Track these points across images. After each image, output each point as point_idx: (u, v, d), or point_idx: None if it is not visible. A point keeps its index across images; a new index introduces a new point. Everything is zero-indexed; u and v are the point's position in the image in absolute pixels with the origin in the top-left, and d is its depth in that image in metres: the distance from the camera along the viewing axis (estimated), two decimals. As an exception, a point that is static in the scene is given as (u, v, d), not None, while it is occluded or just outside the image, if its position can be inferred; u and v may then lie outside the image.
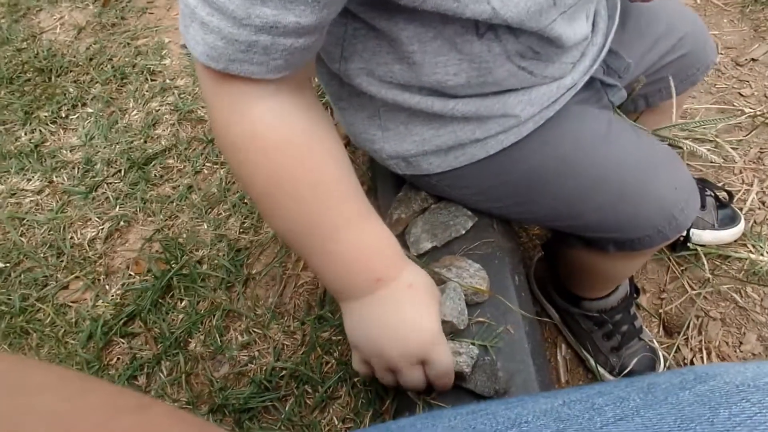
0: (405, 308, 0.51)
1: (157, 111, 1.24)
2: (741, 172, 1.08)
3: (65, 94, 1.32)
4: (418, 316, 0.51)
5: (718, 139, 1.09)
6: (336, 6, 0.43)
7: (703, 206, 0.98)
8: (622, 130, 0.64)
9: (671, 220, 0.62)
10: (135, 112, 1.26)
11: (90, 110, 1.28)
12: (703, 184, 1.02)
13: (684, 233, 0.91)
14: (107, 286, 0.96)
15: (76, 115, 1.28)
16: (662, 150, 0.65)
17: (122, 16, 1.52)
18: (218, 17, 0.40)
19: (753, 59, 1.19)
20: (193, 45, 0.42)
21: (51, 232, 1.05)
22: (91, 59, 1.40)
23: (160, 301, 0.91)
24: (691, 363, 0.89)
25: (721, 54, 1.23)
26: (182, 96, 1.26)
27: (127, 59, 1.38)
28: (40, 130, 1.25)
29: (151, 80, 1.32)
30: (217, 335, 0.85)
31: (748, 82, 1.17)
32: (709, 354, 0.88)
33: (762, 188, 1.05)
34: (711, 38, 0.81)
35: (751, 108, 1.12)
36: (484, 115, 0.57)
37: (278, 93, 0.46)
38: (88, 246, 1.02)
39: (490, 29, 0.49)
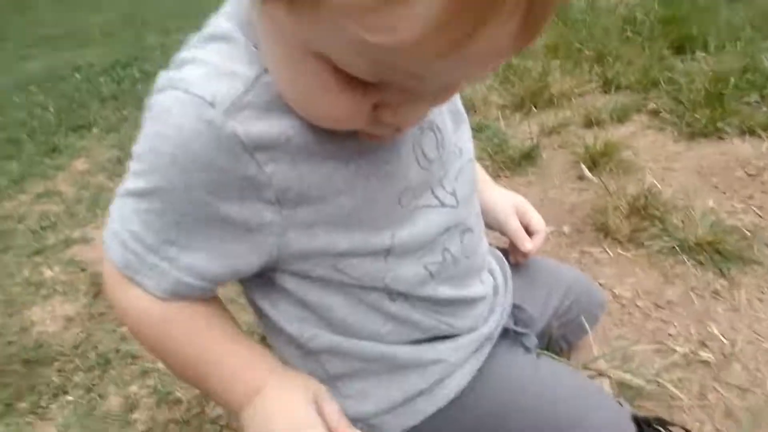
0: (283, 400, 0.60)
1: (135, 395, 1.29)
2: (690, 410, 1.15)
3: (48, 384, 1.37)
4: (291, 404, 0.61)
5: (659, 379, 1.19)
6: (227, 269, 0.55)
7: (663, 447, 1.02)
8: (551, 369, 0.74)
9: None
10: (114, 397, 1.31)
11: (70, 398, 1.32)
12: (660, 422, 1.07)
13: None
14: None
15: (57, 404, 1.32)
16: (591, 384, 0.75)
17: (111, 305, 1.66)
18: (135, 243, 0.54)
19: (668, 301, 1.37)
20: (112, 253, 0.56)
21: None
22: (76, 347, 1.49)
23: None
24: None
25: (643, 298, 1.41)
26: (162, 377, 1.33)
27: (112, 345, 1.47)
28: (17, 423, 1.27)
29: (132, 364, 1.39)
30: None
31: (671, 322, 1.32)
32: None
33: (714, 426, 1.10)
34: (593, 281, 0.99)
35: (680, 346, 1.25)
36: (421, 361, 0.66)
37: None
38: None
39: (399, 295, 0.62)
